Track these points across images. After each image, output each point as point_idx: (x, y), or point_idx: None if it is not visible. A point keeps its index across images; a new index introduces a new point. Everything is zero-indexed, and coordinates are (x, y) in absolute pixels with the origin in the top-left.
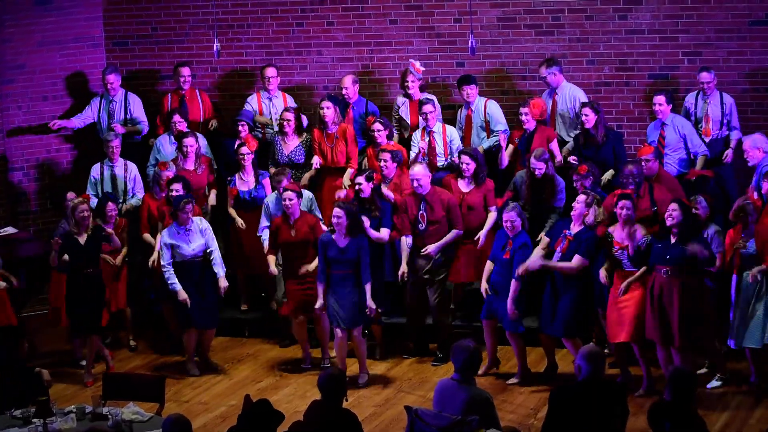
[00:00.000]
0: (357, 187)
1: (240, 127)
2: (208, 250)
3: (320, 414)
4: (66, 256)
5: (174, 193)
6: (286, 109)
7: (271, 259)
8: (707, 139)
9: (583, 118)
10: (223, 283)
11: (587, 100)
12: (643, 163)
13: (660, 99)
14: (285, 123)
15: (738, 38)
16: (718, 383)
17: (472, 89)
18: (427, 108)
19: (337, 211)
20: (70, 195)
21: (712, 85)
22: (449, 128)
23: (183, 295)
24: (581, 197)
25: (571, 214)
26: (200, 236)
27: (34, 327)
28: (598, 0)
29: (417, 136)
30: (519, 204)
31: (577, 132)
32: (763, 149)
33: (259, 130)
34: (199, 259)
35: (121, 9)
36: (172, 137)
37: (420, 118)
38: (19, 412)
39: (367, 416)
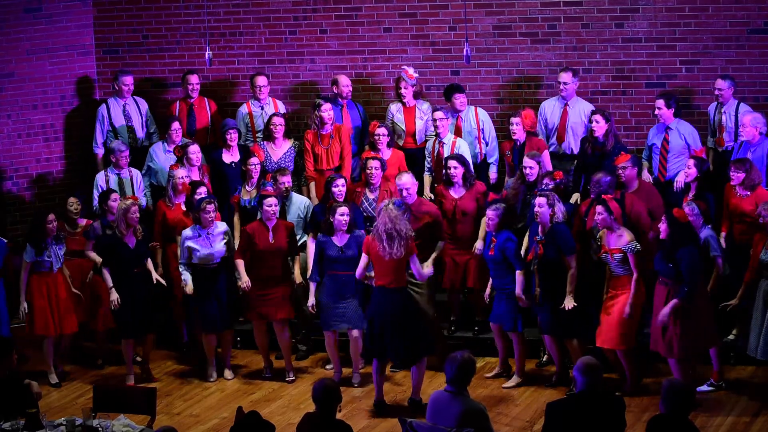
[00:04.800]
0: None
1: (228, 137)
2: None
3: (314, 426)
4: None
5: (197, 197)
6: (275, 115)
7: (239, 263)
8: (719, 149)
9: (594, 125)
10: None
11: (594, 108)
12: (620, 171)
13: (659, 103)
14: (273, 128)
15: (737, 47)
16: (710, 388)
17: (463, 97)
18: (437, 115)
19: (342, 209)
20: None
21: (725, 93)
22: (460, 141)
23: (189, 288)
24: (541, 200)
25: (537, 220)
26: (221, 241)
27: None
28: (594, 8)
29: (429, 146)
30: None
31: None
32: (760, 130)
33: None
34: (215, 265)
35: (112, 17)
36: (167, 145)
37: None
38: (8, 424)
39: (362, 428)
